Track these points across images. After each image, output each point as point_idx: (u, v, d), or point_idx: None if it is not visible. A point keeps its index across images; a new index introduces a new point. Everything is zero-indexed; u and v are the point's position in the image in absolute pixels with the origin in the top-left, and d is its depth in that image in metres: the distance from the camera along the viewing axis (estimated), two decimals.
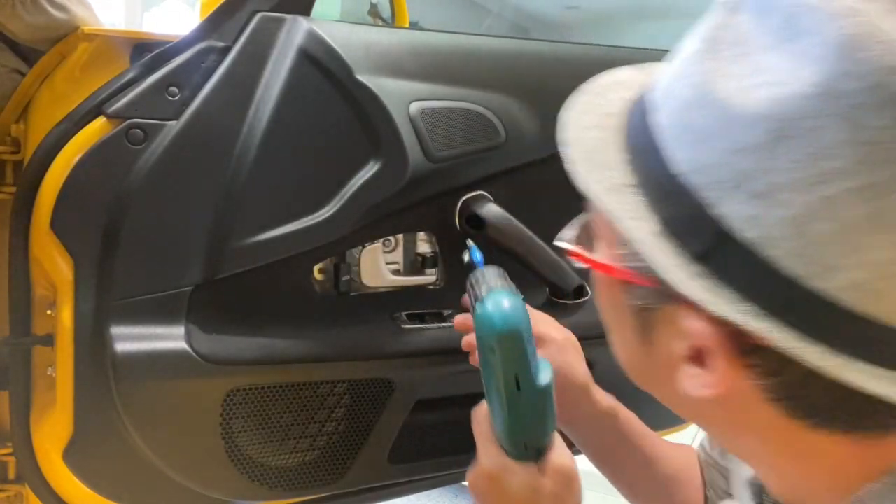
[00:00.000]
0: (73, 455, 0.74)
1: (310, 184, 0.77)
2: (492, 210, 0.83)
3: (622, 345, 0.47)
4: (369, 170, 0.78)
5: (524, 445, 0.55)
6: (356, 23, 0.88)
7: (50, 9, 0.79)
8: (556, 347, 0.74)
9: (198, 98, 0.73)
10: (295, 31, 0.76)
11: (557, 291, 0.90)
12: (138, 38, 0.80)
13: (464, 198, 0.83)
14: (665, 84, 0.40)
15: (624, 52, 0.96)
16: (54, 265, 0.72)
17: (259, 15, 0.76)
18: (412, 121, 0.78)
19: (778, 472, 0.44)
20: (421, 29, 1.04)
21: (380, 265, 0.84)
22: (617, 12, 7.66)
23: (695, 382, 0.39)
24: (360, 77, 0.77)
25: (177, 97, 0.73)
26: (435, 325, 0.85)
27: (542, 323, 0.75)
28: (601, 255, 0.44)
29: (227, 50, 0.75)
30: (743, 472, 0.56)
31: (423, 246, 0.87)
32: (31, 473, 0.77)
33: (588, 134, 0.43)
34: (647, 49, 0.98)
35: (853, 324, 0.33)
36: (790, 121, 0.33)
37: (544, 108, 0.87)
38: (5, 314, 0.76)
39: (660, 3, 6.98)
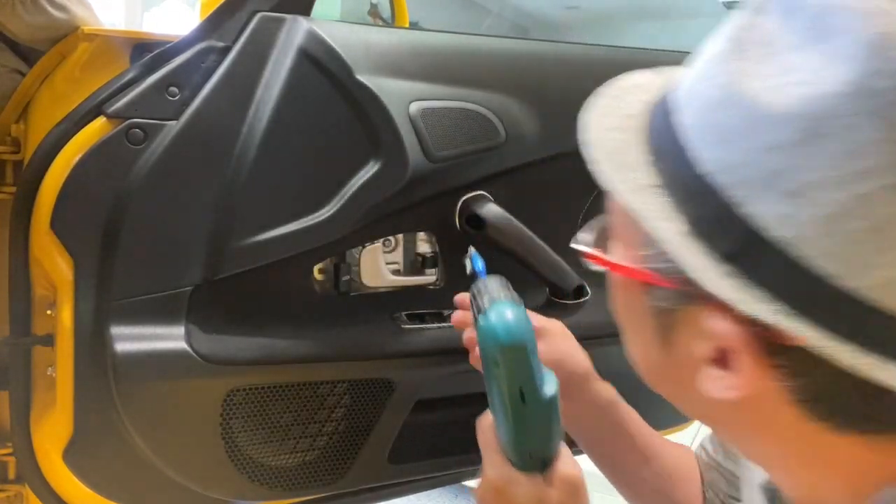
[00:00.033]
0: (73, 455, 0.74)
1: (310, 184, 0.77)
2: (492, 210, 0.83)
3: (639, 347, 0.46)
4: (369, 170, 0.78)
5: (530, 457, 0.55)
6: (356, 23, 0.88)
7: (50, 9, 0.79)
8: (556, 336, 0.75)
9: (198, 98, 0.73)
10: (295, 31, 0.76)
11: (557, 291, 0.90)
12: (138, 38, 0.80)
13: (464, 198, 0.83)
14: (688, 85, 0.40)
15: (624, 52, 0.96)
16: (54, 265, 0.72)
17: (259, 15, 0.76)
18: (412, 121, 0.78)
19: (794, 475, 0.43)
20: (421, 29, 1.04)
21: (380, 265, 0.84)
22: (617, 12, 7.66)
23: (718, 384, 0.38)
24: (360, 77, 0.77)
25: (177, 97, 0.73)
26: (435, 325, 0.85)
27: (535, 316, 0.75)
28: (620, 257, 0.44)
29: (227, 50, 0.75)
30: (754, 477, 0.56)
31: (423, 246, 0.88)
32: (31, 473, 0.77)
33: (609, 135, 0.43)
34: (647, 49, 0.98)
35: (886, 322, 0.33)
36: (823, 119, 0.33)
37: (544, 108, 0.87)
38: (5, 314, 0.76)
39: (660, 3, 6.98)
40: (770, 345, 0.36)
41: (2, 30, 0.80)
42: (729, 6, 7.20)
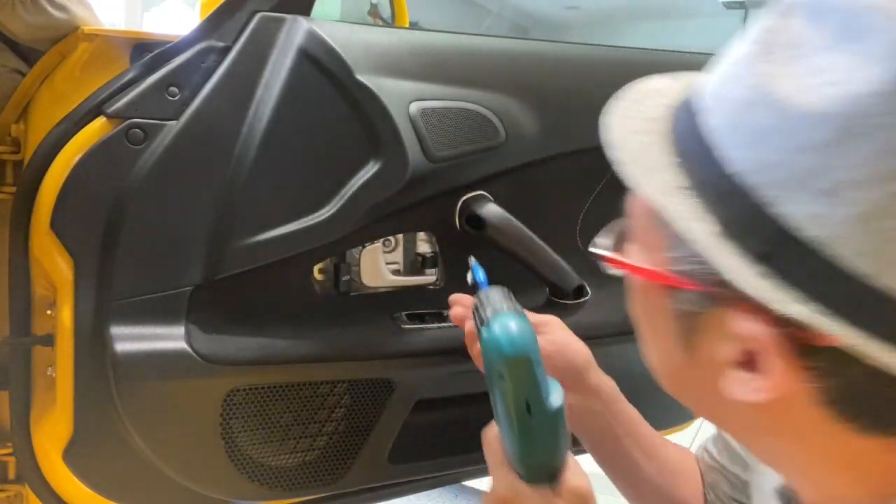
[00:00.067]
0: (73, 455, 0.74)
1: (310, 184, 0.77)
2: (492, 210, 0.83)
3: (660, 351, 0.46)
4: (369, 170, 0.78)
5: (538, 468, 0.55)
6: (356, 23, 0.88)
7: (50, 9, 0.79)
8: (555, 327, 0.75)
9: (198, 98, 0.73)
10: (295, 31, 0.76)
11: (557, 291, 0.90)
12: (138, 38, 0.80)
13: (464, 198, 0.83)
14: (714, 87, 0.40)
15: (623, 51, 0.96)
16: (54, 265, 0.72)
17: (259, 15, 0.76)
18: (412, 121, 0.78)
19: (815, 478, 0.43)
20: (421, 29, 1.04)
21: (380, 265, 0.84)
22: (617, 12, 7.67)
23: (744, 387, 0.38)
24: (360, 77, 0.77)
25: (177, 97, 0.73)
26: (435, 325, 0.85)
27: (532, 313, 0.75)
28: (641, 260, 0.43)
29: (227, 50, 0.75)
30: (768, 482, 0.56)
31: (423, 246, 0.88)
32: (31, 473, 0.77)
33: (633, 138, 0.43)
34: (647, 49, 0.98)
35: None
36: (857, 118, 0.33)
37: (544, 108, 0.87)
38: (5, 314, 0.76)
39: (660, 3, 6.99)
40: (801, 345, 0.36)
41: (2, 30, 0.80)
42: (729, 6, 7.20)
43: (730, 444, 0.72)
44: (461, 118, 0.82)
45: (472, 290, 0.69)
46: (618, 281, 0.49)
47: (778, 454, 0.44)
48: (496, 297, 0.60)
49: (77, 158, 0.71)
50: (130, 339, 0.72)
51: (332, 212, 0.77)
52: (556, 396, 0.55)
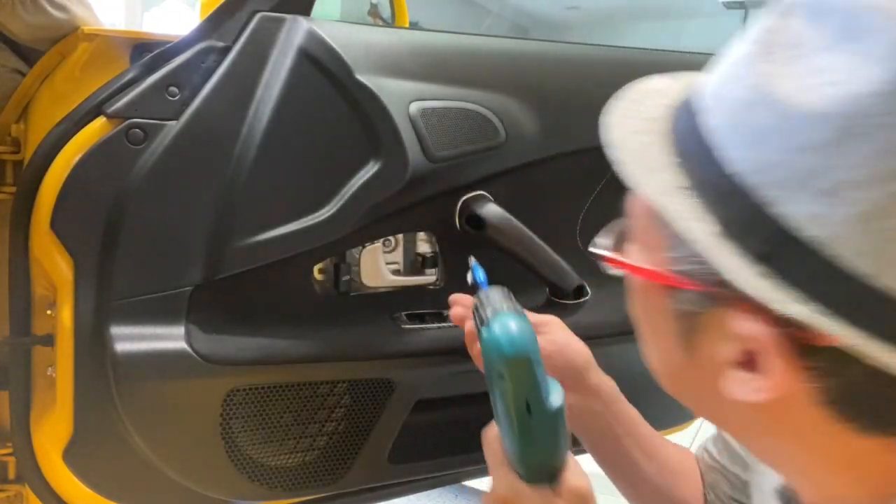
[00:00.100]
0: (73, 455, 0.74)
1: (310, 184, 0.77)
2: (492, 210, 0.83)
3: (660, 351, 0.46)
4: (369, 170, 0.78)
5: (538, 469, 0.55)
6: (356, 23, 0.88)
7: (50, 9, 0.79)
8: (554, 327, 0.75)
9: (198, 98, 0.73)
10: (295, 31, 0.76)
11: (557, 291, 0.90)
12: (138, 38, 0.80)
13: (464, 198, 0.83)
14: (714, 87, 0.40)
15: (623, 51, 0.96)
16: (54, 265, 0.72)
17: (259, 15, 0.76)
18: (412, 121, 0.78)
19: (815, 479, 0.43)
20: (421, 29, 1.04)
21: (380, 265, 0.84)
22: (617, 12, 7.67)
23: (744, 387, 0.38)
24: (360, 77, 0.77)
25: (177, 97, 0.73)
26: (435, 325, 0.85)
27: (531, 314, 0.75)
28: (641, 260, 0.43)
29: (227, 50, 0.75)
30: (768, 481, 0.56)
31: (423, 246, 0.88)
32: (31, 473, 0.77)
33: (633, 138, 0.43)
34: (647, 49, 0.98)
35: None
36: (857, 118, 0.33)
37: (544, 108, 0.87)
38: (5, 314, 0.76)
39: (660, 3, 6.99)
40: (801, 346, 0.36)
41: (2, 30, 0.80)
42: (729, 6, 7.20)
43: (730, 444, 0.72)
44: (461, 118, 0.82)
45: (472, 290, 0.69)
46: (618, 281, 0.49)
47: (778, 454, 0.44)
48: (496, 297, 0.60)
49: (77, 158, 0.71)
50: (130, 339, 0.72)
51: (332, 212, 0.77)
52: (556, 396, 0.55)
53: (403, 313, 0.85)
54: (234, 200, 0.74)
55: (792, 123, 0.35)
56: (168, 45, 0.75)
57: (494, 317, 0.57)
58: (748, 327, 0.37)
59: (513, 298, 0.61)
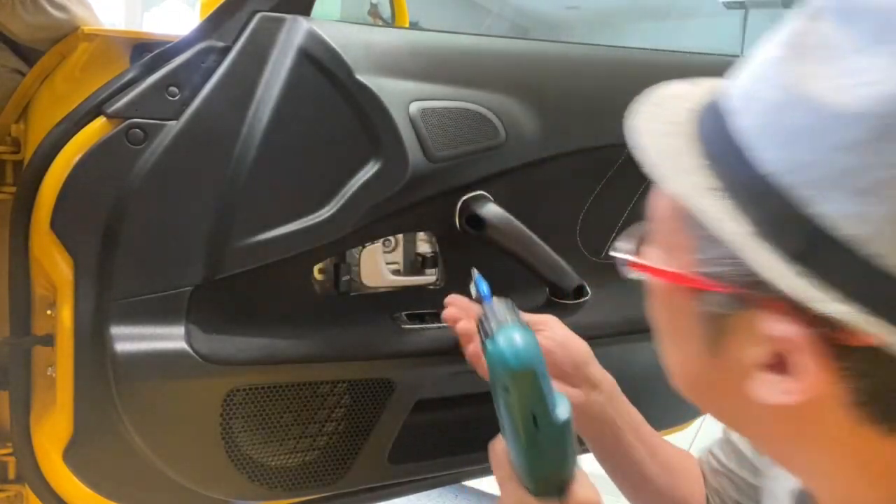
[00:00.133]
0: (73, 455, 0.74)
1: (310, 184, 0.77)
2: (492, 210, 0.83)
3: (682, 355, 0.46)
4: (369, 170, 0.78)
5: (546, 482, 0.54)
6: (356, 23, 0.88)
7: (50, 9, 0.79)
8: (553, 324, 0.75)
9: (198, 98, 0.73)
10: (295, 31, 0.76)
11: (557, 291, 0.90)
12: (138, 38, 0.80)
13: (464, 198, 0.83)
14: (743, 89, 0.40)
15: (623, 51, 0.96)
16: (54, 265, 0.72)
17: (259, 15, 0.76)
18: (412, 121, 0.78)
19: (836, 482, 0.43)
20: (421, 29, 1.04)
21: (380, 265, 0.84)
22: (617, 12, 7.67)
23: (773, 389, 0.38)
24: (360, 77, 0.77)
25: (177, 97, 0.73)
26: (435, 325, 0.85)
27: (529, 314, 0.75)
28: (666, 263, 0.43)
29: (227, 50, 0.75)
30: (782, 486, 0.55)
31: (423, 246, 0.88)
32: (31, 473, 0.77)
33: (660, 140, 0.42)
34: (646, 49, 0.98)
35: None
36: (892, 118, 0.33)
37: (544, 108, 0.87)
38: (5, 314, 0.76)
39: (660, 3, 6.98)
40: (834, 346, 0.36)
41: (2, 30, 0.80)
42: (729, 6, 7.20)
43: (738, 448, 0.72)
44: (461, 118, 0.82)
45: (471, 294, 0.69)
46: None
47: (798, 457, 0.44)
48: (500, 310, 0.60)
49: (77, 158, 0.71)
50: (130, 339, 0.72)
51: (332, 212, 0.77)
52: (562, 409, 0.54)
53: (403, 313, 0.85)
54: (235, 200, 0.74)
55: (827, 123, 0.35)
56: (168, 45, 0.75)
57: (499, 329, 0.57)
58: (781, 328, 0.37)
59: (517, 311, 0.61)
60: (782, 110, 0.37)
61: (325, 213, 0.77)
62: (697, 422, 1.19)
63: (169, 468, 0.75)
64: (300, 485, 0.81)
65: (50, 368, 0.75)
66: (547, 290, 0.91)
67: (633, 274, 0.46)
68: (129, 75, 0.73)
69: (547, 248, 0.86)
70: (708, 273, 0.39)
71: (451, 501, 2.64)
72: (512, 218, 0.83)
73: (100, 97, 0.72)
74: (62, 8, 0.80)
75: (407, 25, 1.63)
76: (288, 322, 0.79)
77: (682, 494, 0.76)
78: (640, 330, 0.92)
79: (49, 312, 0.76)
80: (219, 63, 0.74)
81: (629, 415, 0.75)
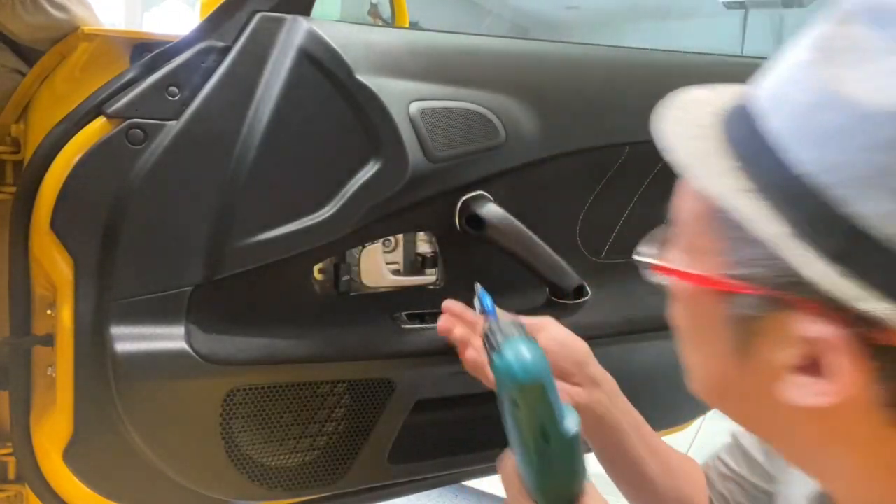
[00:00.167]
0: (73, 455, 0.74)
1: (310, 184, 0.77)
2: (492, 210, 0.83)
3: (707, 358, 0.45)
4: (369, 170, 0.78)
5: (556, 496, 0.54)
6: (356, 23, 0.88)
7: (50, 9, 0.79)
8: (551, 325, 0.75)
9: (198, 98, 0.73)
10: (295, 31, 0.76)
11: (557, 291, 0.90)
12: (138, 38, 0.80)
13: (464, 198, 0.83)
14: (772, 92, 0.40)
15: (623, 51, 0.96)
16: (54, 265, 0.72)
17: (259, 15, 0.76)
18: (412, 121, 0.78)
19: (860, 485, 0.42)
20: (421, 29, 1.04)
21: (380, 265, 0.84)
22: (617, 12, 7.66)
23: (805, 391, 0.38)
24: (360, 77, 0.77)
25: (177, 97, 0.73)
26: (435, 325, 0.85)
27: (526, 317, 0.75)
28: (692, 265, 0.43)
29: (227, 50, 0.75)
30: (798, 492, 0.55)
31: (423, 246, 0.87)
32: (31, 473, 0.77)
33: (690, 143, 0.42)
34: (646, 49, 0.98)
35: None
36: None
37: (544, 108, 0.87)
38: (5, 314, 0.76)
39: (660, 3, 6.98)
40: (871, 346, 0.35)
41: (2, 30, 0.80)
42: (729, 6, 7.20)
43: (749, 453, 0.71)
44: (461, 118, 0.82)
45: (479, 313, 0.69)
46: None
47: (822, 459, 0.44)
48: (506, 324, 0.60)
49: (77, 158, 0.71)
50: (130, 339, 0.72)
51: (332, 212, 0.77)
52: (571, 421, 0.54)
53: (403, 313, 0.85)
54: (235, 200, 0.74)
55: (862, 123, 0.35)
56: (168, 45, 0.75)
57: (506, 343, 0.56)
58: (816, 329, 0.36)
59: (523, 325, 0.61)
60: (815, 111, 0.37)
61: (324, 213, 0.77)
62: (697, 422, 1.19)
63: (169, 468, 0.75)
64: (300, 485, 0.81)
65: (50, 368, 0.75)
66: (547, 290, 0.91)
67: (657, 278, 0.45)
68: (129, 75, 0.73)
69: (547, 248, 0.86)
70: (739, 275, 0.39)
71: (451, 501, 2.64)
72: (512, 218, 0.83)
73: (100, 97, 0.72)
74: (62, 8, 0.80)
75: (407, 25, 1.63)
76: (288, 322, 0.79)
77: (684, 496, 0.75)
78: (639, 330, 0.92)
79: (49, 312, 0.76)
80: (219, 63, 0.74)
81: (630, 414, 0.76)
